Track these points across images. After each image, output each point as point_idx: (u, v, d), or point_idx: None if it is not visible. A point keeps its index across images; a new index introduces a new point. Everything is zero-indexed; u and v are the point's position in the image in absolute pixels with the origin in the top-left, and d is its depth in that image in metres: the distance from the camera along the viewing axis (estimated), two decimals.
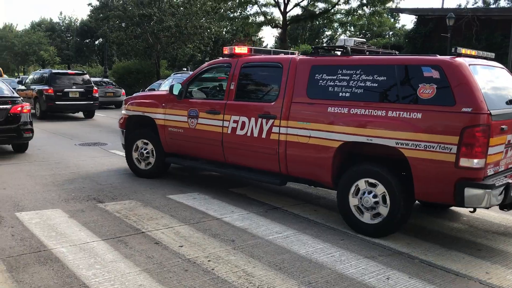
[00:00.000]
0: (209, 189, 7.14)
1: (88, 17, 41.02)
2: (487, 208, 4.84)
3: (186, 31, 31.50)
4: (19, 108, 9.49)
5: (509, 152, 5.07)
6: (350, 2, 31.53)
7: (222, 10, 34.65)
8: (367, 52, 6.22)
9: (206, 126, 6.78)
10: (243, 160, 6.49)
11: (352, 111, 5.28)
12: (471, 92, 4.59)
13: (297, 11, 32.87)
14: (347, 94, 5.37)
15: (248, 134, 6.23)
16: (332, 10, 32.13)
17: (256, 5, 33.27)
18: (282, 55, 6.64)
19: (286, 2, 31.25)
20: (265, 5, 33.45)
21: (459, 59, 4.85)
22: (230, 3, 33.89)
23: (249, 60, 6.67)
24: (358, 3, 30.44)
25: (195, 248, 4.74)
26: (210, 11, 32.73)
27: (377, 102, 5.17)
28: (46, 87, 17.43)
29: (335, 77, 5.53)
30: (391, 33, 49.80)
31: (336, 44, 6.32)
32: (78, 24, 59.82)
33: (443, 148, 4.64)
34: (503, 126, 4.76)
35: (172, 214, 5.84)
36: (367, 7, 29.97)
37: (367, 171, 5.25)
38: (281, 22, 33.46)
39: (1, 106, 9.24)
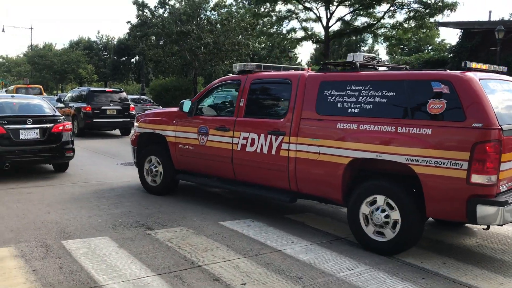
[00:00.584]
0: (262, 215, 6.64)
1: (126, 35, 41.48)
2: (501, 225, 4.63)
3: (224, 48, 31.41)
4: (61, 127, 9.23)
5: None
6: (395, 16, 30.80)
7: (259, 26, 34.46)
8: (377, 68, 6.05)
9: (216, 143, 6.72)
10: (253, 177, 6.40)
11: (361, 127, 5.20)
12: (482, 107, 4.48)
13: (338, 25, 31.91)
14: (357, 110, 5.30)
15: (258, 151, 6.16)
16: (377, 25, 31.33)
17: (295, 20, 32.88)
18: (291, 71, 6.52)
19: (329, 16, 30.70)
20: (306, 20, 32.93)
21: (469, 74, 4.73)
22: (266, 19, 33.67)
23: (259, 76, 6.63)
24: (405, 16, 29.58)
25: (259, 286, 4.23)
26: (248, 27, 32.56)
27: (386, 118, 5.05)
28: (84, 105, 17.51)
29: (344, 93, 5.46)
30: (430, 47, 48.44)
31: (345, 60, 6.09)
32: (115, 42, 60.76)
33: (454, 164, 4.53)
34: None
35: (228, 244, 5.35)
36: (413, 20, 29.08)
37: (378, 188, 5.14)
38: (322, 37, 32.85)
39: (43, 125, 9.00)
